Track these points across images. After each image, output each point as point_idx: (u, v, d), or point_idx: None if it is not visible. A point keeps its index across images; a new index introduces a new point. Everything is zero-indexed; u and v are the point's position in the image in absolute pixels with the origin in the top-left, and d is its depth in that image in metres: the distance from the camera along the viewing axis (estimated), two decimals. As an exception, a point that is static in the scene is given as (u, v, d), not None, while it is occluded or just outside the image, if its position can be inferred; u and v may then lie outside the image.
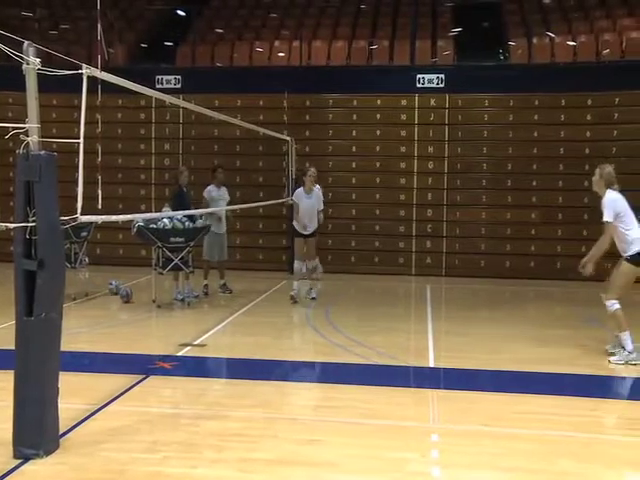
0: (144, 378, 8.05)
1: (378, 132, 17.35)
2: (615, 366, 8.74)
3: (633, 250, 8.61)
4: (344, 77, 17.68)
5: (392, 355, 9.22)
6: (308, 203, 13.01)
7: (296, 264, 13.19)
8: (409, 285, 16.12)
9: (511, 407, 7.21)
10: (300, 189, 13.17)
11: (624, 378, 8.41)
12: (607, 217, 8.65)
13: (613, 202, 8.71)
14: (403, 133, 17.27)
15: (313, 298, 13.34)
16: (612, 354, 8.96)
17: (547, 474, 5.51)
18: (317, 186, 13.29)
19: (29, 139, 5.63)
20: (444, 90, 17.12)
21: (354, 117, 17.55)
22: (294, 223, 13.20)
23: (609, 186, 8.83)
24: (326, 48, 18.35)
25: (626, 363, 8.56)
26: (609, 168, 8.99)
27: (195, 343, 9.80)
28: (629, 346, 8.59)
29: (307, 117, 17.69)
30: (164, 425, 6.51)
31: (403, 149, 17.26)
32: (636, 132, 16.21)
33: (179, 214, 12.20)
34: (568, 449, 6.07)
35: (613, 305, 8.69)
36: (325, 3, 20.57)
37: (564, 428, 6.61)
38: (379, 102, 17.40)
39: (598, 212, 8.95)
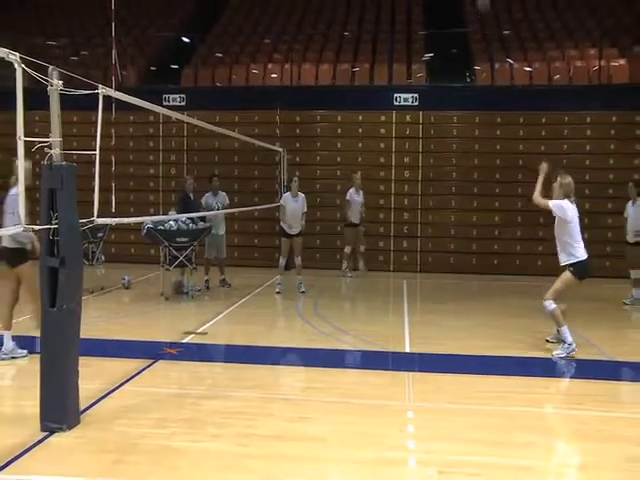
0: (153, 362, 8.05)
1: (360, 144, 17.34)
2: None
3: (573, 260, 8.44)
4: (330, 95, 17.66)
5: (372, 342, 9.23)
6: (294, 206, 13.10)
7: (280, 260, 13.36)
8: (388, 280, 16.13)
9: (475, 387, 7.25)
10: (287, 194, 13.32)
11: (572, 360, 8.44)
12: (552, 205, 8.68)
13: (563, 208, 8.55)
14: (382, 145, 17.26)
15: (302, 292, 13.26)
16: (552, 343, 8.96)
17: (506, 445, 5.56)
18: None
19: (52, 152, 5.65)
20: (418, 108, 17.14)
21: (339, 131, 17.54)
22: (282, 224, 13.32)
23: (566, 196, 8.59)
24: (314, 70, 18.34)
25: (567, 356, 8.34)
26: (569, 179, 8.68)
27: (198, 331, 9.78)
28: (568, 339, 8.40)
29: (297, 131, 17.67)
30: (171, 404, 6.51)
31: (382, 159, 17.25)
32: (582, 147, 16.50)
33: (183, 217, 12.21)
34: (524, 422, 6.12)
35: (550, 305, 8.45)
36: (312, 31, 20.57)
37: (520, 404, 6.67)
38: (361, 118, 17.39)
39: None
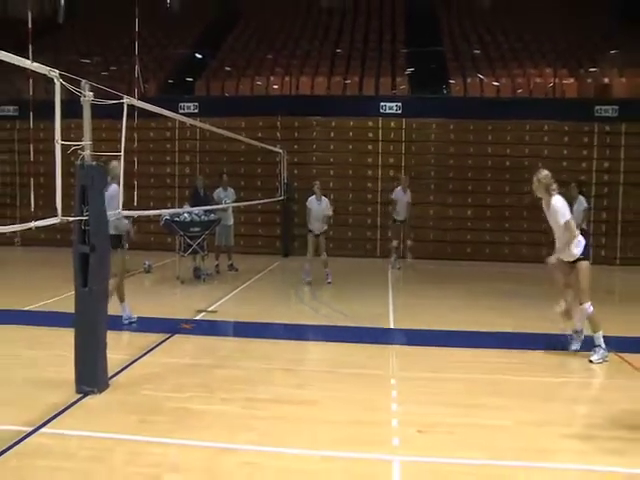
0: (170, 336, 8.09)
1: (350, 146, 17.33)
2: (531, 324, 8.86)
3: (582, 250, 7.22)
4: (324, 104, 17.63)
5: (361, 318, 9.28)
6: (318, 209, 12.43)
7: (307, 255, 12.49)
8: (375, 266, 16.15)
9: (450, 357, 7.31)
10: (312, 197, 12.51)
11: (536, 334, 8.48)
12: (567, 216, 7.14)
13: (564, 203, 7.25)
14: (370, 147, 17.26)
15: (329, 283, 12.55)
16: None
17: (477, 407, 5.64)
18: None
19: (84, 154, 5.68)
20: (401, 115, 17.15)
21: (332, 135, 17.52)
22: (308, 225, 12.57)
23: (548, 187, 7.27)
24: (310, 82, 18.30)
25: (603, 361, 7.14)
26: (545, 172, 7.38)
27: (209, 310, 9.82)
28: (603, 344, 7.19)
29: (296, 134, 17.63)
30: (186, 372, 6.56)
31: (370, 160, 17.26)
32: (540, 151, 16.61)
33: (196, 210, 12.23)
34: (492, 388, 6.19)
35: (589, 308, 7.17)
36: (309, 48, 20.52)
37: (489, 372, 6.74)
38: (351, 123, 17.37)
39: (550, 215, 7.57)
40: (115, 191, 7.73)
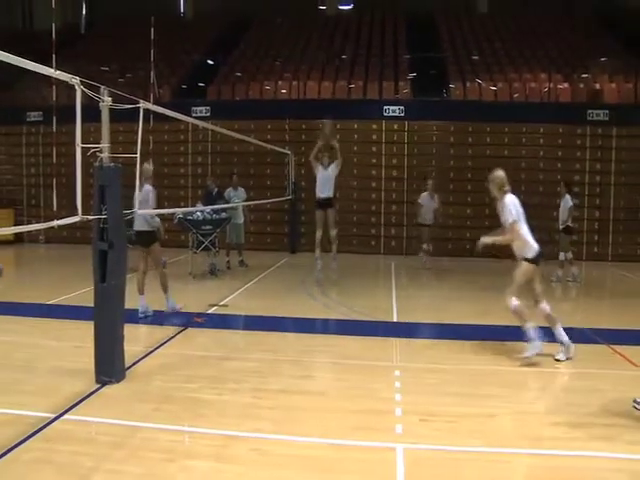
0: (183, 329, 8.11)
1: (355, 148, 17.30)
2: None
3: (531, 252, 6.88)
4: (330, 107, 17.54)
5: (366, 312, 9.28)
6: (324, 174, 11.74)
7: (317, 233, 11.83)
8: (378, 262, 16.17)
9: (451, 350, 7.29)
10: (319, 164, 11.86)
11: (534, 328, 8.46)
12: (513, 217, 6.88)
13: (513, 204, 6.99)
14: (374, 149, 17.25)
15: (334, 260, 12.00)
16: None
17: (476, 397, 5.62)
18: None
19: (103, 155, 5.69)
20: (404, 118, 17.13)
21: (338, 137, 17.48)
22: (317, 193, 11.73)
23: (502, 188, 7.04)
24: (317, 86, 18.29)
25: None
26: (497, 172, 7.13)
27: (220, 304, 9.82)
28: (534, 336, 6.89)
29: (303, 137, 17.60)
30: (198, 363, 6.57)
31: (374, 160, 17.25)
32: (536, 152, 16.64)
33: (208, 209, 12.24)
34: (491, 379, 6.17)
35: (513, 302, 6.85)
36: (315, 54, 20.49)
37: (488, 364, 6.72)
38: (356, 126, 17.35)
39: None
40: (149, 191, 8.42)
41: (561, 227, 12.34)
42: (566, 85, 17.32)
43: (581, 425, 4.93)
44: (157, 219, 8.88)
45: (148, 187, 8.51)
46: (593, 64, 18.11)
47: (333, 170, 11.79)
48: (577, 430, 4.84)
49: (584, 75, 17.84)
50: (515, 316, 6.93)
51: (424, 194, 14.29)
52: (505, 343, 7.67)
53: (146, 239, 8.81)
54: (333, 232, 11.85)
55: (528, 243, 6.92)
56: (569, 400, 5.54)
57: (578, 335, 7.75)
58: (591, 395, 5.66)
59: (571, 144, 16.52)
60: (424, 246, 14.44)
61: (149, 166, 8.65)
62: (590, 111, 16.47)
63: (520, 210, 6.97)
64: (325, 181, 11.73)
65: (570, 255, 12.40)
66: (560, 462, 4.37)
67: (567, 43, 19.82)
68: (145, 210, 8.14)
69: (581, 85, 17.40)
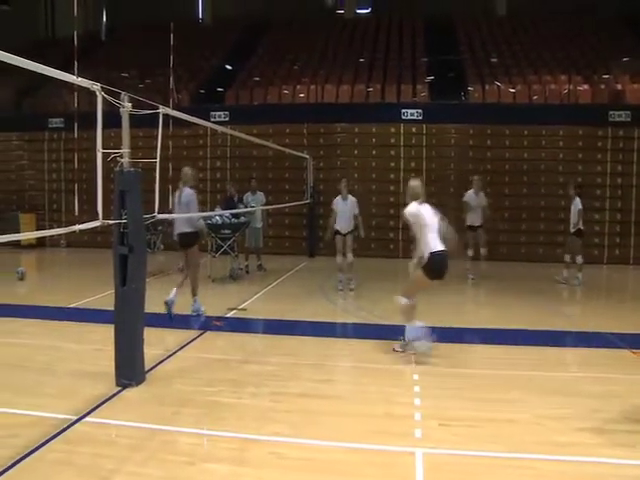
0: (203, 333, 8.15)
1: (373, 152, 17.30)
2: (547, 321, 8.73)
3: (423, 261, 6.95)
4: (348, 111, 17.63)
5: (385, 316, 9.21)
6: (344, 208, 11.50)
7: (337, 258, 11.54)
8: (397, 265, 16.06)
9: (471, 354, 7.27)
10: (338, 197, 11.60)
11: (552, 331, 8.38)
12: (409, 216, 7.10)
13: (417, 212, 7.06)
14: (392, 152, 17.20)
15: (351, 290, 11.68)
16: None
17: (496, 402, 5.58)
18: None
19: (123, 160, 5.75)
20: (422, 121, 17.07)
21: (356, 141, 17.51)
22: (335, 225, 11.51)
23: (414, 199, 7.15)
24: (335, 90, 18.29)
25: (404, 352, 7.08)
26: (413, 183, 7.35)
27: (239, 307, 9.82)
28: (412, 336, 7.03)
29: (321, 140, 17.66)
30: (218, 367, 6.58)
31: (392, 164, 17.20)
32: (556, 154, 16.48)
33: (227, 213, 12.29)
34: (511, 383, 6.11)
35: (401, 301, 7.13)
36: (333, 58, 20.53)
37: (508, 368, 6.65)
38: (374, 130, 17.34)
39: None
40: (190, 194, 8.83)
41: (572, 230, 12.19)
42: (586, 86, 17.13)
43: (604, 431, 4.87)
44: (201, 221, 9.36)
45: (189, 190, 8.87)
46: (614, 64, 17.92)
47: (352, 205, 11.52)
48: (600, 436, 4.78)
49: (605, 76, 17.64)
50: (401, 314, 7.17)
51: (469, 192, 13.03)
52: (526, 348, 7.61)
53: (187, 240, 9.02)
54: (349, 256, 11.56)
55: (427, 251, 6.93)
56: (591, 406, 5.46)
57: (600, 339, 7.68)
58: (613, 401, 5.58)
59: (592, 146, 16.32)
60: (469, 252, 12.91)
61: (189, 170, 9.06)
62: (611, 112, 16.26)
63: (424, 215, 7.03)
64: (344, 214, 11.46)
65: (581, 259, 12.22)
66: (583, 469, 4.31)
67: (587, 44, 19.62)
68: (185, 214, 8.66)
69: (602, 86, 17.21)
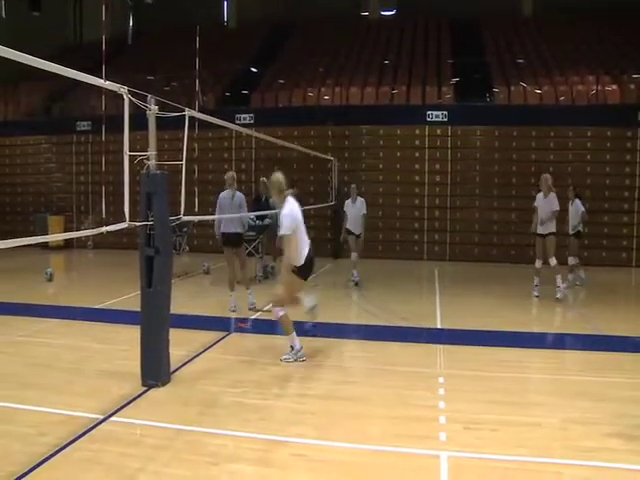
0: (228, 334, 8.21)
1: (398, 154, 17.27)
2: (572, 325, 8.63)
3: (301, 261, 6.75)
4: (373, 113, 17.62)
5: (409, 318, 9.19)
6: (353, 211, 12.17)
7: (352, 256, 12.28)
8: (422, 267, 16.05)
9: (495, 357, 7.18)
10: (348, 200, 12.34)
11: (578, 335, 8.28)
12: (285, 230, 6.64)
13: (291, 211, 6.71)
14: (417, 154, 17.16)
15: (355, 284, 12.27)
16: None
17: (520, 405, 5.52)
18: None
19: (149, 163, 5.80)
20: (447, 123, 17.01)
21: (381, 142, 17.50)
22: (348, 226, 12.24)
23: (281, 192, 6.82)
24: (360, 92, 18.29)
25: (295, 360, 6.83)
26: (276, 175, 6.87)
27: (264, 309, 9.80)
28: (297, 345, 6.87)
29: (346, 143, 17.68)
30: (242, 368, 6.60)
31: (417, 166, 17.16)
32: (584, 156, 16.28)
33: (252, 215, 12.30)
34: (535, 386, 6.07)
35: (278, 312, 6.83)
36: (358, 59, 20.52)
37: (532, 371, 6.62)
38: (399, 132, 17.32)
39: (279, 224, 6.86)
40: (242, 196, 9.66)
41: (572, 232, 12.00)
42: (614, 86, 16.87)
43: (633, 437, 4.78)
44: (250, 222, 10.41)
45: (240, 193, 9.67)
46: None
47: (362, 206, 12.21)
48: (629, 442, 4.69)
49: (635, 75, 17.34)
50: (281, 326, 6.98)
51: (539, 195, 11.11)
52: (552, 351, 7.53)
53: (238, 240, 9.71)
54: (354, 255, 12.39)
55: (300, 253, 6.77)
56: (618, 411, 5.37)
57: (627, 344, 7.55)
58: (643, 405, 5.49)
59: (620, 147, 16.09)
60: (537, 264, 11.16)
61: (232, 173, 9.82)
62: (641, 113, 16.03)
63: (299, 217, 6.81)
64: (354, 217, 12.25)
65: (574, 261, 12.02)
66: (611, 475, 4.24)
67: (615, 43, 19.31)
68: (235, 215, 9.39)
69: (631, 86, 16.92)
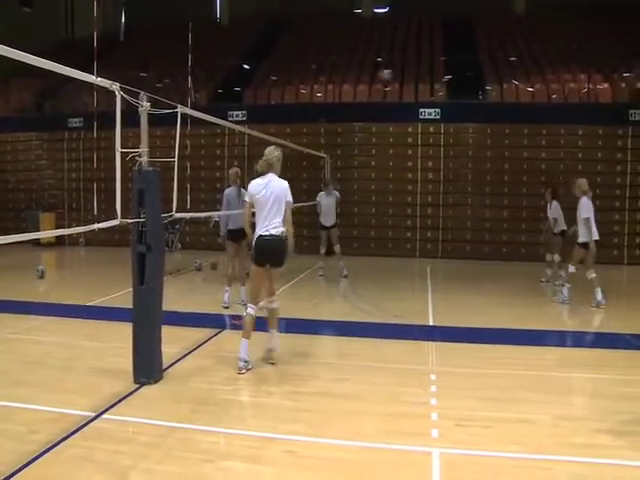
0: (220, 331, 8.19)
1: (391, 151, 17.27)
2: (565, 322, 8.66)
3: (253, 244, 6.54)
4: (366, 110, 17.61)
5: (401, 316, 9.21)
6: (326, 202, 12.91)
7: (321, 249, 13.10)
8: (414, 265, 16.07)
9: (487, 354, 7.20)
10: (322, 192, 13.13)
11: (570, 332, 8.34)
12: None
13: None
14: (409, 152, 17.15)
15: (345, 276, 12.90)
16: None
17: (512, 402, 5.54)
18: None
19: (141, 160, 5.79)
20: (439, 120, 17.00)
21: (373, 140, 17.49)
22: (320, 219, 13.10)
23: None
24: (352, 89, 18.28)
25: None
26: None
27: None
28: (242, 355, 6.37)
29: (338, 140, 17.66)
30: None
31: (410, 163, 17.15)
32: (575, 154, 16.30)
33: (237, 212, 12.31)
34: (527, 383, 6.07)
35: (271, 305, 6.84)
36: (351, 57, 20.50)
37: (523, 368, 6.61)
38: (391, 129, 17.31)
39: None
40: (244, 192, 9.24)
41: (558, 231, 11.89)
42: (606, 85, 16.93)
43: (623, 433, 4.81)
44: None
45: (244, 190, 9.22)
46: (635, 63, 17.69)
47: (335, 199, 12.90)
48: (619, 438, 4.72)
49: (626, 74, 17.44)
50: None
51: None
52: (544, 348, 7.56)
53: (243, 235, 9.22)
54: (337, 247, 13.00)
55: (255, 233, 6.49)
56: (610, 407, 5.41)
57: (617, 341, 7.60)
58: (634, 403, 5.52)
59: (611, 146, 16.15)
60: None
61: (237, 169, 9.86)
62: (632, 111, 16.06)
63: (254, 192, 6.51)
64: (327, 208, 12.88)
65: (559, 258, 12.04)
66: (601, 471, 4.26)
67: (607, 42, 19.36)
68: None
69: (622, 84, 17.02)
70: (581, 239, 9.91)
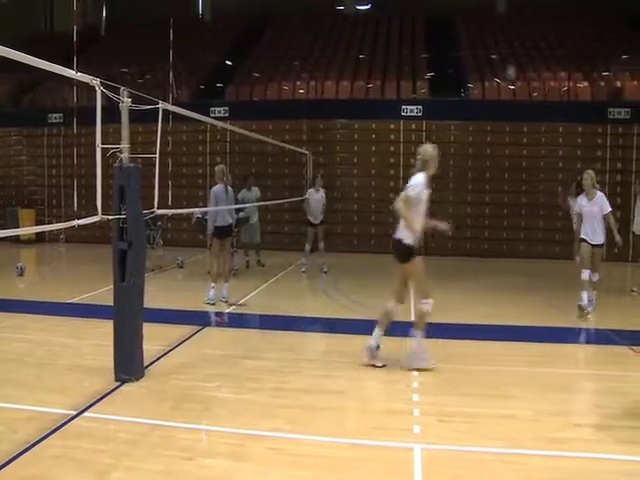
0: (202, 328, 8.14)
1: (373, 148, 17.28)
2: (548, 319, 8.72)
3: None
4: (348, 107, 17.60)
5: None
6: (315, 198, 13.05)
7: (306, 246, 13.09)
8: (396, 262, 16.07)
9: (470, 350, 7.25)
10: (311, 189, 13.17)
11: (554, 328, 8.40)
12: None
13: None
14: (392, 149, 17.18)
15: (325, 272, 13.09)
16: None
17: (495, 397, 5.58)
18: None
19: (122, 156, 5.73)
20: (421, 117, 17.05)
21: (355, 136, 17.49)
22: (308, 216, 13.17)
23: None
24: (334, 86, 18.26)
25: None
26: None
27: (239, 303, 9.84)
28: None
29: (321, 136, 17.63)
30: (217, 362, 6.57)
31: (392, 160, 17.16)
32: (555, 151, 16.43)
33: (225, 208, 12.22)
34: (509, 379, 6.11)
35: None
36: (333, 54, 20.49)
37: (506, 364, 6.65)
38: (374, 126, 17.32)
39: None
40: (231, 190, 10.00)
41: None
42: (586, 83, 17.11)
43: (604, 427, 4.86)
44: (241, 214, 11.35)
45: (230, 188, 9.98)
46: (614, 61, 17.89)
47: (323, 197, 13.14)
48: (600, 432, 4.77)
49: (605, 73, 17.62)
50: None
51: (580, 196, 9.78)
52: (525, 344, 7.61)
53: (229, 231, 9.98)
54: (321, 244, 13.19)
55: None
56: (591, 402, 5.48)
57: (599, 337, 7.68)
58: (613, 397, 5.58)
59: (591, 143, 16.32)
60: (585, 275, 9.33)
61: (222, 166, 10.11)
62: (611, 109, 16.25)
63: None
64: (316, 205, 13.07)
65: None
66: (580, 464, 4.31)
67: (587, 41, 19.56)
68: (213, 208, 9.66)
69: (602, 83, 17.20)
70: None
